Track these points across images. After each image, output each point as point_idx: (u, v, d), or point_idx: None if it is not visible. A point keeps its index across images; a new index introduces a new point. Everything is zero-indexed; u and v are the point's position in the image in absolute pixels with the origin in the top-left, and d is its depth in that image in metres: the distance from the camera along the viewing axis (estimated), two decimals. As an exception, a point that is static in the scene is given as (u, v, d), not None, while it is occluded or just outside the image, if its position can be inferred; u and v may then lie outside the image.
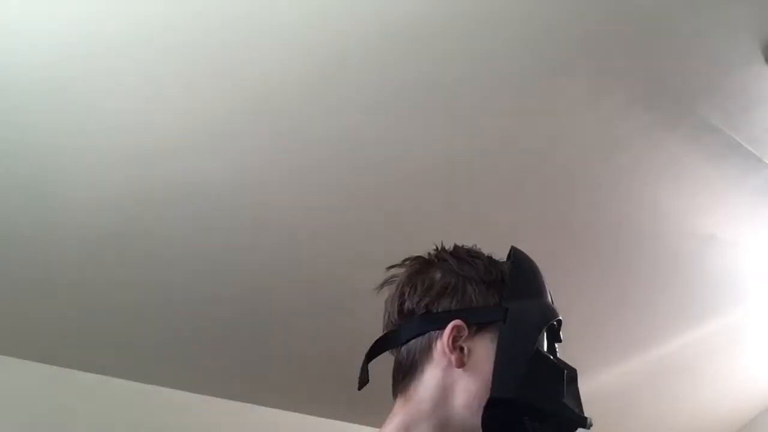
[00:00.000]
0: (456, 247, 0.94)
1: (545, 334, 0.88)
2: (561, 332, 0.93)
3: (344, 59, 1.67)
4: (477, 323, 0.86)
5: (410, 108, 1.82)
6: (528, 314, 0.87)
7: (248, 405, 2.67)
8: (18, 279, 2.02)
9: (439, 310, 0.87)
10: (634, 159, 2.10)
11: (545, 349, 0.88)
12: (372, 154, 1.92)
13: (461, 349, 0.85)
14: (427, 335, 0.86)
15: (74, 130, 1.71)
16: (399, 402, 0.87)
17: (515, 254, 0.94)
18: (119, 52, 1.57)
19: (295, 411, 2.77)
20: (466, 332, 0.85)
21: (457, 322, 0.85)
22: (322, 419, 2.79)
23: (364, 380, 0.90)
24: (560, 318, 0.91)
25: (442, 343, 0.85)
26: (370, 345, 0.91)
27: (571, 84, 1.84)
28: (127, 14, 1.50)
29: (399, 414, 0.86)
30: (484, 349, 0.85)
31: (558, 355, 0.91)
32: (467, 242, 0.95)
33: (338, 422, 2.75)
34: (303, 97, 1.74)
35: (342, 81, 1.72)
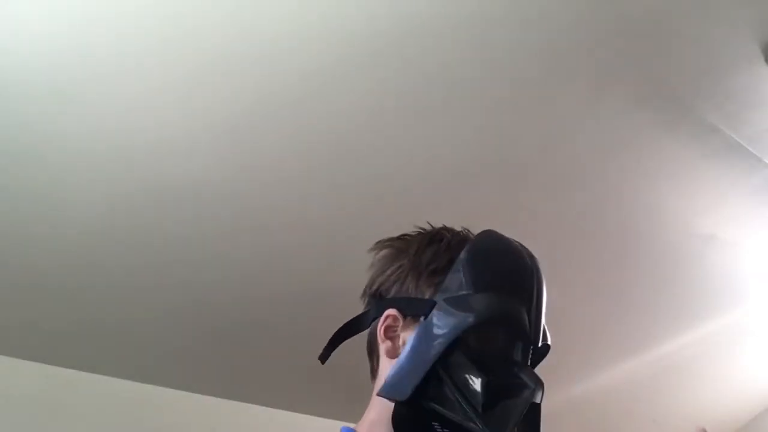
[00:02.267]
0: (432, 228, 0.90)
1: (490, 332, 0.79)
2: (529, 333, 0.81)
3: (346, 62, 1.67)
4: (410, 315, 0.82)
5: (411, 110, 1.82)
6: (454, 311, 0.79)
7: (248, 405, 2.67)
8: (18, 279, 2.02)
9: (387, 297, 0.85)
10: (634, 159, 2.10)
11: (498, 350, 0.80)
12: (373, 155, 1.92)
13: (398, 339, 0.82)
14: (377, 321, 0.85)
15: (75, 131, 1.71)
16: (375, 386, 0.86)
17: (476, 240, 0.85)
18: (120, 54, 1.57)
19: (295, 411, 2.77)
20: (400, 322, 0.82)
21: (390, 311, 0.83)
22: (322, 419, 2.79)
23: (326, 356, 0.90)
24: (509, 315, 0.79)
25: (378, 331, 0.84)
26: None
27: (572, 84, 1.84)
28: (128, 16, 1.50)
29: (371, 406, 0.85)
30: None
31: (516, 356, 0.81)
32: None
33: (338, 422, 2.74)
34: (304, 100, 1.74)
35: (344, 83, 1.72)
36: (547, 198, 2.17)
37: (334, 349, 0.89)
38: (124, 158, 1.79)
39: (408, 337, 0.82)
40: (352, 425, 0.86)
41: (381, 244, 0.91)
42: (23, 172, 1.77)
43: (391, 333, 0.83)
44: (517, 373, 0.79)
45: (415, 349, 0.79)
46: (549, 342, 0.85)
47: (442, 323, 0.79)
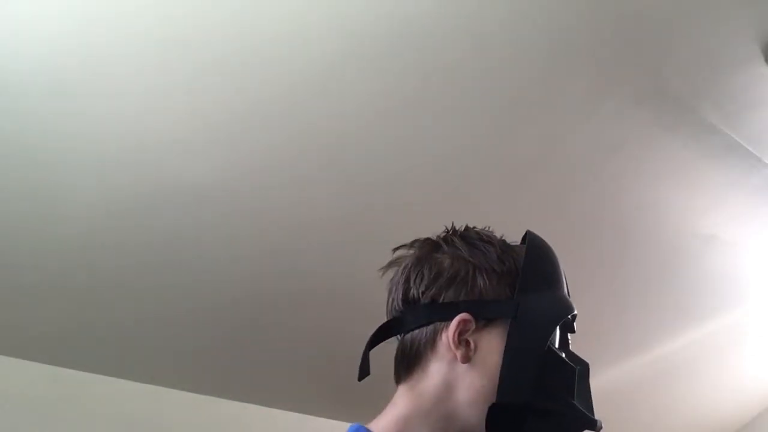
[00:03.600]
0: (467, 229, 0.89)
1: (558, 329, 0.84)
2: (575, 323, 0.88)
3: (346, 63, 1.66)
4: (486, 318, 0.81)
5: (411, 110, 1.82)
6: (540, 310, 0.82)
7: (248, 405, 2.67)
8: (18, 279, 2.02)
9: (446, 301, 0.83)
10: (634, 159, 2.10)
11: (557, 344, 0.84)
12: (373, 156, 1.92)
13: (467, 343, 0.81)
14: (432, 326, 0.83)
15: (75, 132, 1.70)
16: (401, 391, 0.84)
17: (531, 241, 0.88)
18: (121, 55, 1.57)
19: (294, 411, 2.77)
20: (473, 326, 0.81)
21: (464, 315, 0.81)
22: (322, 419, 2.79)
23: (365, 370, 0.85)
24: (575, 312, 0.86)
25: (447, 336, 0.81)
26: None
27: (571, 84, 1.84)
28: (128, 16, 1.50)
29: (400, 405, 0.83)
30: (491, 345, 0.81)
31: (570, 347, 0.88)
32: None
33: (338, 422, 2.75)
34: (305, 101, 1.74)
35: (344, 84, 1.72)
36: (547, 198, 2.17)
37: (368, 362, 0.86)
38: (124, 159, 1.79)
39: (482, 340, 0.81)
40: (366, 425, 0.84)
41: (411, 246, 0.89)
42: (23, 172, 1.77)
43: (461, 337, 0.81)
44: (579, 357, 0.86)
45: (516, 349, 0.80)
46: None
47: (535, 322, 0.81)
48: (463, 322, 0.81)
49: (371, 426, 0.83)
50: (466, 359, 0.81)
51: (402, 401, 0.83)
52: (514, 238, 0.92)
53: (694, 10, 1.67)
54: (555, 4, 1.62)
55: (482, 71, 1.76)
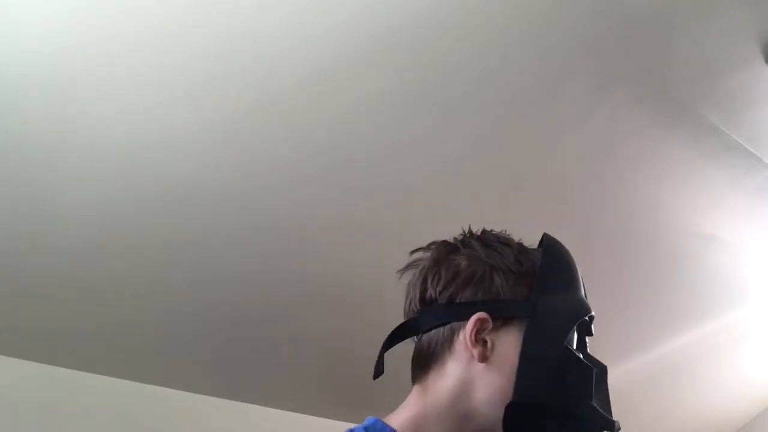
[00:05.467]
0: (484, 232, 0.90)
1: (575, 330, 0.85)
2: (593, 326, 0.89)
3: (347, 64, 1.66)
4: (503, 317, 0.82)
5: (412, 111, 1.82)
6: (557, 310, 0.83)
7: (248, 405, 2.67)
8: (18, 279, 2.02)
9: (463, 301, 0.83)
10: (634, 159, 2.10)
11: (575, 345, 0.84)
12: (373, 156, 1.92)
13: (484, 342, 0.81)
14: (449, 326, 0.83)
15: (76, 132, 1.71)
16: (416, 390, 0.85)
17: (548, 242, 0.89)
18: (121, 55, 1.57)
19: (295, 411, 2.77)
20: (490, 325, 0.81)
21: (481, 314, 0.81)
22: (322, 419, 2.79)
23: (380, 370, 0.85)
24: (593, 313, 0.86)
25: (464, 335, 0.81)
26: (390, 332, 0.87)
27: (571, 84, 1.84)
28: (128, 16, 1.50)
29: (414, 404, 0.83)
30: (508, 344, 0.81)
31: (588, 350, 0.88)
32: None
33: (338, 422, 2.75)
34: (305, 100, 1.74)
35: (345, 85, 1.72)
36: (547, 198, 2.17)
37: (383, 362, 0.86)
38: (124, 159, 1.79)
39: (499, 340, 0.81)
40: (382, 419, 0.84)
41: (428, 249, 0.89)
42: (23, 172, 1.77)
43: (478, 336, 0.81)
44: (596, 360, 0.85)
45: (534, 349, 0.80)
46: None
47: (552, 322, 0.82)
48: (480, 321, 0.81)
49: (388, 420, 0.82)
50: (483, 358, 0.81)
51: (419, 400, 0.83)
52: (515, 237, 0.92)
53: (694, 10, 1.67)
54: (555, 5, 1.62)
55: (482, 71, 1.76)
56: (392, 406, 0.87)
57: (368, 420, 0.82)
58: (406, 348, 0.89)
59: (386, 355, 0.89)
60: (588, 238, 2.34)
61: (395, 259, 0.93)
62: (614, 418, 0.82)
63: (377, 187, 2.02)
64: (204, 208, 1.96)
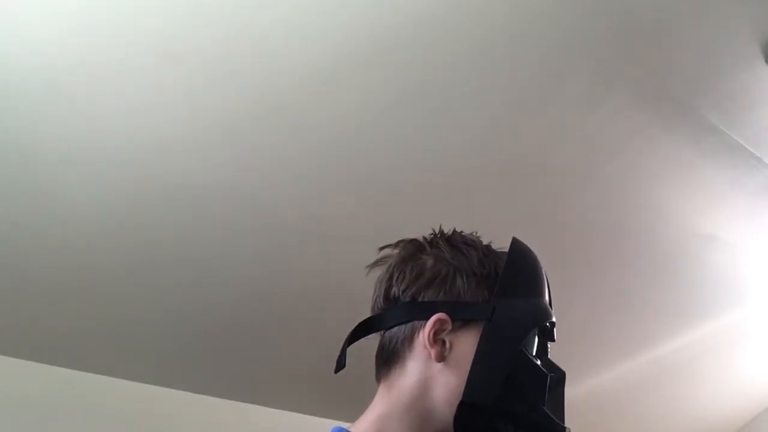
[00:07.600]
0: (454, 233, 0.91)
1: (535, 335, 0.85)
2: (555, 332, 0.89)
3: (347, 62, 1.66)
4: (462, 318, 0.83)
5: (412, 110, 1.82)
6: (516, 314, 0.84)
7: (248, 405, 2.67)
8: (18, 280, 2.02)
9: (425, 300, 0.84)
10: (634, 159, 2.10)
11: (534, 350, 0.85)
12: (373, 156, 1.92)
13: (443, 342, 0.82)
14: (410, 324, 0.84)
15: (76, 132, 1.71)
16: (381, 389, 0.86)
17: (514, 247, 0.90)
18: (121, 54, 1.57)
19: (294, 411, 2.77)
20: (449, 326, 0.82)
21: (440, 315, 0.82)
22: (322, 419, 2.79)
23: (341, 364, 0.87)
24: (553, 320, 0.87)
25: (423, 334, 0.83)
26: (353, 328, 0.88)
27: (571, 84, 1.84)
28: (128, 16, 1.50)
29: (379, 404, 0.85)
30: (466, 345, 0.82)
31: (549, 355, 0.89)
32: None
33: (338, 422, 2.74)
34: (305, 99, 1.74)
35: (345, 83, 1.72)
36: (547, 198, 2.17)
37: (345, 356, 0.88)
38: (124, 158, 1.79)
39: (458, 340, 0.82)
40: (344, 425, 0.85)
41: (396, 246, 0.91)
42: (24, 172, 1.77)
43: (437, 337, 0.82)
44: (555, 365, 0.87)
45: (488, 351, 0.81)
46: None
47: (509, 326, 0.83)
48: (440, 321, 0.82)
49: (353, 427, 0.84)
50: (441, 358, 0.82)
51: (383, 399, 0.85)
52: (519, 237, 0.92)
53: (694, 10, 1.67)
54: (555, 4, 1.62)
55: (482, 71, 1.76)
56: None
57: (333, 430, 0.83)
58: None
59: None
60: (588, 238, 2.34)
61: (396, 259, 0.93)
62: (565, 424, 0.83)
63: (377, 187, 2.02)
64: (204, 207, 1.96)
